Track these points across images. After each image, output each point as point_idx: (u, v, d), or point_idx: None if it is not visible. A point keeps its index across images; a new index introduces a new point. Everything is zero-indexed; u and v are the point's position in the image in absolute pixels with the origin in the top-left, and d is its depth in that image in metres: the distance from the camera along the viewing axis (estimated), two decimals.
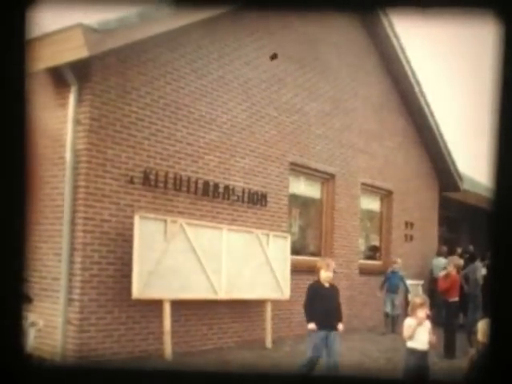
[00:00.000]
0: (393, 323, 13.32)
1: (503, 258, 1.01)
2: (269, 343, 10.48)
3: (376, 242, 15.74)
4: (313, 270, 12.37)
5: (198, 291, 9.31)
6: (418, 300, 7.25)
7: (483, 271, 13.88)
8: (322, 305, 7.67)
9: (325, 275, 7.82)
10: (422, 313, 6.96)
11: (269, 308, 10.59)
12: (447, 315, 11.45)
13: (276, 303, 10.96)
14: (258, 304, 10.59)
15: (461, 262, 12.65)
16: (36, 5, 0.95)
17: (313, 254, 13.02)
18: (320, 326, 7.56)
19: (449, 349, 10.96)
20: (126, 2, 1.16)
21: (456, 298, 11.49)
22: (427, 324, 6.98)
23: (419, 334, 6.87)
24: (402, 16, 1.05)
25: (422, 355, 6.87)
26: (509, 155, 0.99)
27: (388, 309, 13.47)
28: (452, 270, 11.58)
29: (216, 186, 10.13)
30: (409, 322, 6.94)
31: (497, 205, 1.01)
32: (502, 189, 1.00)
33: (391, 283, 13.66)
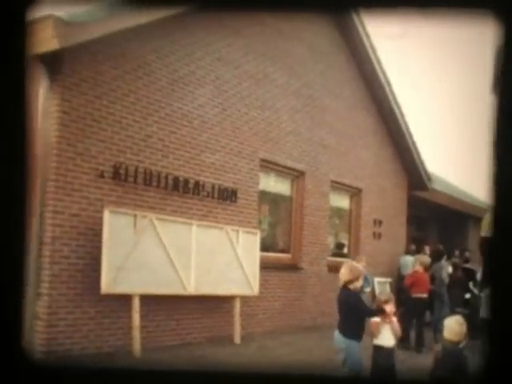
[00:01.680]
0: None
1: (503, 258, 1.03)
2: (237, 339, 10.61)
3: (345, 240, 15.96)
4: (281, 267, 12.56)
5: (167, 286, 9.39)
6: (382, 297, 7.40)
7: (449, 270, 14.17)
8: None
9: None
10: (388, 309, 7.11)
11: (238, 304, 10.71)
12: (414, 311, 11.76)
13: (245, 299, 11.10)
14: (227, 300, 10.70)
15: (427, 259, 12.99)
16: (36, 5, 0.97)
17: (282, 251, 13.19)
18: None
19: (417, 343, 11.39)
20: (122, 2, 1.20)
21: (421, 294, 11.91)
22: (394, 321, 7.12)
23: (385, 331, 7.02)
24: (402, 16, 1.05)
25: (388, 352, 6.99)
26: (509, 155, 1.01)
27: None
28: (418, 268, 11.94)
29: (186, 181, 10.22)
30: (374, 319, 7.08)
31: (496, 206, 1.02)
32: (502, 189, 1.01)
33: None
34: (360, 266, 8.05)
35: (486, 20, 1.00)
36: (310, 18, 13.24)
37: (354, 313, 6.89)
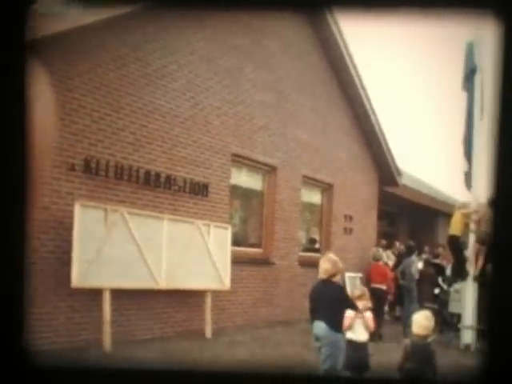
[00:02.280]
0: None
1: (504, 257, 1.03)
2: (209, 333, 10.67)
3: (316, 235, 16.08)
4: (253, 261, 12.62)
5: (138, 280, 9.41)
6: (356, 292, 7.52)
7: (419, 265, 14.39)
8: None
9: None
10: (361, 304, 7.21)
11: (209, 298, 10.77)
12: (372, 301, 12.09)
13: (216, 294, 11.16)
14: (199, 294, 10.75)
15: (381, 254, 14.28)
16: (36, 5, 0.96)
17: (253, 246, 13.27)
18: None
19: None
20: (121, 2, 1.19)
21: (379, 285, 12.87)
22: (368, 315, 7.22)
23: (357, 325, 7.11)
24: (402, 16, 1.05)
25: (360, 346, 7.11)
26: (509, 155, 1.01)
27: None
28: (380, 261, 13.41)
29: (158, 175, 10.23)
30: (348, 314, 7.17)
31: (498, 205, 1.02)
32: (503, 188, 1.01)
33: None
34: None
35: (486, 20, 1.00)
36: (284, 13, 13.28)
37: (341, 305, 6.95)
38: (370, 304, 7.46)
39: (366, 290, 7.79)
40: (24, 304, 0.99)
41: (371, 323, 7.21)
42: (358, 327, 7.11)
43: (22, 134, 0.93)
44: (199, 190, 11.18)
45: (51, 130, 0.98)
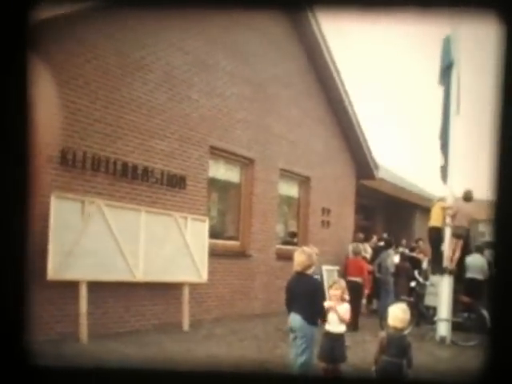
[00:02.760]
0: None
1: (505, 256, 1.04)
2: (186, 326, 10.70)
3: (294, 228, 16.16)
4: (230, 254, 12.66)
5: (115, 273, 9.40)
6: (330, 282, 7.59)
7: (395, 259, 14.52)
8: None
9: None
10: (333, 294, 7.28)
11: (186, 291, 10.79)
12: (349, 293, 12.45)
13: (194, 286, 11.19)
14: (176, 287, 10.77)
15: (359, 247, 14.51)
16: (38, 6, 0.98)
17: (231, 238, 13.30)
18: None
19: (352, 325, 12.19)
20: (122, 3, 1.17)
21: (355, 278, 13.24)
22: (344, 307, 7.29)
23: (332, 316, 7.18)
24: (402, 16, 1.05)
25: (335, 337, 7.19)
26: (510, 155, 1.01)
27: None
28: (358, 255, 13.82)
29: (135, 167, 10.22)
30: (326, 304, 7.26)
31: (499, 204, 1.03)
32: (504, 187, 1.02)
33: None
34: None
35: (488, 20, 1.00)
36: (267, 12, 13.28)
37: (315, 298, 6.98)
38: (346, 296, 7.52)
39: (342, 280, 7.85)
40: (24, 304, 1.00)
41: (345, 315, 7.27)
42: (332, 318, 7.18)
43: (23, 132, 0.94)
44: (177, 182, 11.18)
45: (53, 129, 0.99)
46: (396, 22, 1.05)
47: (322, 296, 7.11)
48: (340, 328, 7.26)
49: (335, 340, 7.18)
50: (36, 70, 0.96)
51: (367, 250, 17.09)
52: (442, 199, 12.95)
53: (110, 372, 1.09)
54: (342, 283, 7.65)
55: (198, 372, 1.10)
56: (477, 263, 14.18)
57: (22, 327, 1.00)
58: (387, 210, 23.97)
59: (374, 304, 15.98)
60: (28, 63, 0.95)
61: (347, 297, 7.53)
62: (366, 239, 17.89)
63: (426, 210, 18.48)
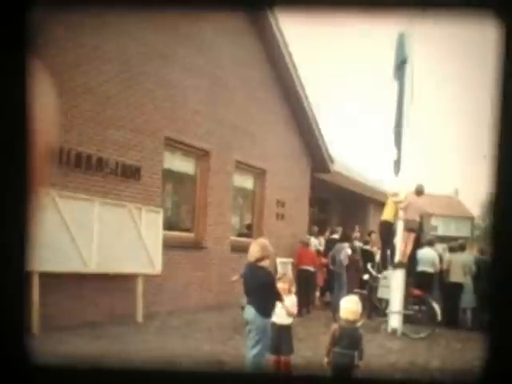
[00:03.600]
0: None
1: (504, 256, 1.03)
2: (140, 318, 10.72)
3: (249, 220, 16.28)
4: (185, 245, 12.69)
5: (68, 264, 9.38)
6: (278, 275, 7.70)
7: (349, 252, 14.73)
8: None
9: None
10: (282, 287, 7.39)
11: (140, 282, 10.82)
12: (301, 281, 13.98)
13: (148, 278, 11.21)
14: (130, 278, 10.78)
15: (307, 238, 15.94)
16: (36, 6, 0.96)
17: (186, 230, 13.34)
18: None
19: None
20: (122, 4, 1.17)
21: (306, 267, 14.65)
22: (290, 299, 7.41)
23: (279, 308, 7.27)
24: (402, 16, 1.05)
25: (281, 329, 7.33)
26: (509, 154, 1.01)
27: None
28: (307, 246, 15.13)
29: (89, 157, 10.19)
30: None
31: (497, 202, 1.03)
32: (503, 186, 1.02)
33: None
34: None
35: (487, 20, 0.99)
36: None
37: (267, 290, 7.03)
38: (293, 288, 7.64)
39: (289, 273, 7.98)
40: (24, 304, 0.99)
41: (292, 308, 7.39)
42: (280, 310, 7.27)
43: (22, 135, 0.93)
44: (131, 173, 11.17)
45: (53, 130, 0.98)
46: (390, 22, 1.06)
47: (274, 288, 7.18)
48: (287, 320, 7.38)
49: (282, 332, 7.30)
50: (33, 70, 0.95)
51: (322, 242, 17.32)
52: (394, 194, 13.19)
53: (110, 372, 1.09)
54: (290, 276, 7.79)
55: (198, 372, 1.10)
56: (428, 256, 14.49)
57: (22, 327, 0.99)
58: (342, 203, 24.26)
59: (328, 297, 16.20)
60: (26, 63, 0.94)
61: (294, 289, 7.65)
62: (320, 232, 18.09)
63: (380, 204, 18.79)
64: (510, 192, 1.01)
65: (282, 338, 7.27)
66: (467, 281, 14.55)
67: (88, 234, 9.71)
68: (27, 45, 0.93)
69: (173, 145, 12.63)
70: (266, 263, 7.15)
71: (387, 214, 13.11)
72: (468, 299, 14.54)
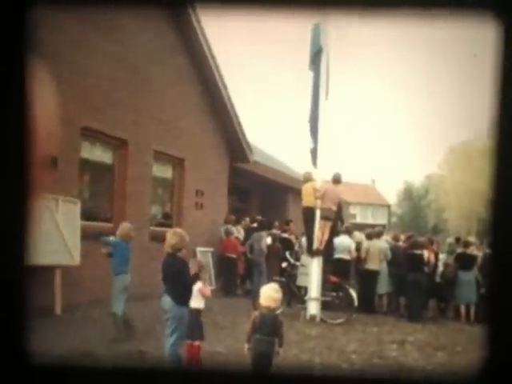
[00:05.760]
0: None
1: (502, 249, 1.04)
2: (58, 310, 10.72)
3: (168, 210, 16.39)
4: (103, 236, 12.67)
5: None
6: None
7: (268, 240, 15.02)
8: None
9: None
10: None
11: (58, 274, 10.81)
12: (226, 267, 16.27)
13: (66, 269, 11.21)
14: (48, 270, 10.70)
15: (231, 229, 16.82)
16: (35, 6, 1.00)
17: (104, 220, 13.35)
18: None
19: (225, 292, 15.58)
20: (122, 4, 1.23)
21: (230, 254, 16.21)
22: (198, 285, 7.73)
23: (194, 293, 7.62)
24: (402, 17, 1.06)
25: (194, 313, 7.62)
26: (509, 154, 1.02)
27: None
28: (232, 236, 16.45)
29: None
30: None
31: (496, 198, 1.04)
32: (502, 182, 1.03)
33: None
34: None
35: (485, 21, 1.02)
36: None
37: (183, 279, 7.31)
38: (203, 274, 7.96)
39: (199, 260, 8.22)
40: (24, 304, 1.04)
41: (200, 293, 7.71)
42: (194, 295, 7.60)
43: (21, 131, 0.97)
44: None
45: (52, 126, 1.05)
46: (396, 22, 1.10)
47: (187, 276, 7.41)
48: (199, 304, 7.72)
49: (194, 315, 7.59)
50: (34, 69, 1.01)
51: (240, 231, 17.60)
52: (308, 178, 13.49)
53: (110, 372, 1.11)
54: (198, 262, 8.03)
55: (198, 372, 1.15)
56: (344, 244, 14.98)
57: (22, 327, 1.03)
58: (262, 192, 24.58)
59: (248, 285, 16.49)
60: (26, 62, 0.99)
61: (203, 276, 7.93)
62: (238, 221, 18.33)
63: (299, 193, 19.20)
64: (509, 191, 1.03)
65: (192, 322, 7.53)
66: (383, 267, 15.14)
67: None
68: (26, 42, 0.99)
69: (90, 134, 12.60)
70: (181, 253, 7.41)
71: (308, 201, 13.40)
72: (383, 285, 15.16)
